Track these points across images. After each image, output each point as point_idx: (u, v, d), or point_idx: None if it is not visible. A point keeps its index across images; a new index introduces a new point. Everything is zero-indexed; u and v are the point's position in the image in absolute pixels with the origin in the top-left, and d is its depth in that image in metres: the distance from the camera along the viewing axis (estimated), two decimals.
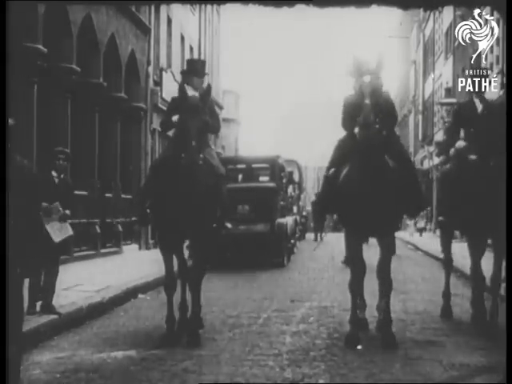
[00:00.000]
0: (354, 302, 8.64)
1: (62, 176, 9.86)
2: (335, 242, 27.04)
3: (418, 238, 30.10)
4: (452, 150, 9.51)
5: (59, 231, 9.51)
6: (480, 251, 9.36)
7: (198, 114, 8.16)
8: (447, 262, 10.61)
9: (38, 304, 9.51)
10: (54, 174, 9.77)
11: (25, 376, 6.99)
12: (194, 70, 9.17)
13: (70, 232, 9.69)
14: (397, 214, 8.72)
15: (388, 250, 8.64)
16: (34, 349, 8.13)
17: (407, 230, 31.10)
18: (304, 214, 36.12)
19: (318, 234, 31.07)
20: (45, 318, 9.18)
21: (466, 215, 9.07)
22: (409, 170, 8.65)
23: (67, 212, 9.64)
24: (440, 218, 10.14)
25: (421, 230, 32.50)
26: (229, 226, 9.32)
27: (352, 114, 8.19)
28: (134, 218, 20.44)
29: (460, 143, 9.23)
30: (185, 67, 9.78)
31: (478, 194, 8.83)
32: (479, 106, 9.23)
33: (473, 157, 8.98)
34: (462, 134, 9.50)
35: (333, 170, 8.63)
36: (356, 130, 8.19)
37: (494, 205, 8.45)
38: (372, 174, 8.07)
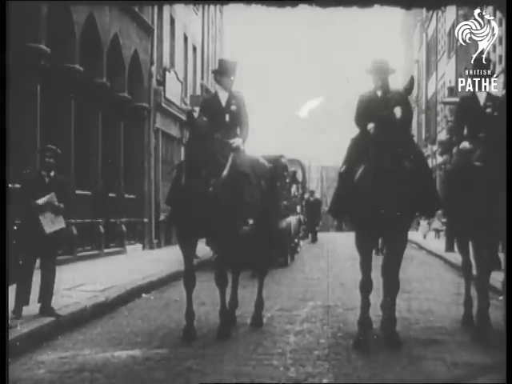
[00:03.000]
0: (364, 302, 8.51)
1: (51, 174, 9.60)
2: (337, 242, 27.05)
3: (420, 237, 29.58)
4: (455, 149, 9.44)
5: (52, 223, 9.46)
6: (487, 257, 9.01)
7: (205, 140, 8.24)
8: (466, 268, 9.73)
9: (25, 308, 9.32)
10: (43, 172, 9.60)
11: (29, 375, 7.02)
12: (225, 70, 9.20)
13: (63, 225, 9.57)
14: (411, 214, 8.65)
15: (399, 250, 8.59)
16: (37, 348, 8.14)
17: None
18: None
19: (312, 234, 30.68)
20: (48, 318, 9.19)
21: (470, 217, 8.83)
22: (424, 170, 8.56)
23: (61, 205, 9.49)
24: (444, 220, 10.04)
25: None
26: None
27: (367, 110, 8.22)
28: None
29: (465, 144, 9.08)
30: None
31: (481, 196, 8.63)
32: (482, 100, 9.13)
33: (476, 154, 8.83)
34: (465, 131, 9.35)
35: (346, 168, 8.62)
36: (370, 125, 8.21)
37: (497, 207, 8.36)
38: (387, 174, 8.00)
